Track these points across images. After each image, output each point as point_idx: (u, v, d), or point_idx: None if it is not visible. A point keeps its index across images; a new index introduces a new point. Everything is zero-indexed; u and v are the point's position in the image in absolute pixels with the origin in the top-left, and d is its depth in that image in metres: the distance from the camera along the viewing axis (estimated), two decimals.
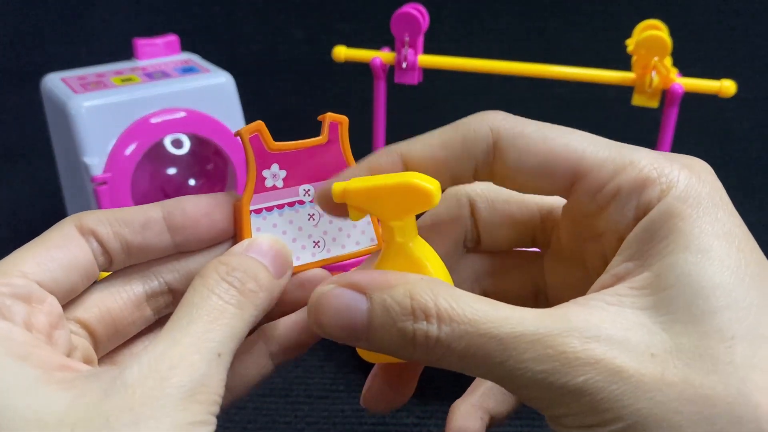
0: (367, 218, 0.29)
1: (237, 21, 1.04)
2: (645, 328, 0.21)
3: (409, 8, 0.60)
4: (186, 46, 0.72)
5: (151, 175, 0.68)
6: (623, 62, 0.62)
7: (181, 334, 0.21)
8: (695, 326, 0.20)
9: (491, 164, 0.25)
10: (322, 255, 0.28)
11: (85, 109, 0.58)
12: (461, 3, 1.03)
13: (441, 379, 0.54)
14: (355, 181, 0.25)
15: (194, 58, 0.69)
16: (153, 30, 1.02)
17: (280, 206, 0.27)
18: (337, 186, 0.25)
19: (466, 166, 0.25)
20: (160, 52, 0.68)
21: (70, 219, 0.25)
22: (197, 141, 0.67)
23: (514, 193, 0.28)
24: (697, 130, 0.97)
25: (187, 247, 0.26)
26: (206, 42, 1.03)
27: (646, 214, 0.23)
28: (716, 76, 0.57)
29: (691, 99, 0.61)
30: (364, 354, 0.26)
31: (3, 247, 0.75)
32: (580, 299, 0.22)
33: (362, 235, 0.29)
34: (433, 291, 0.21)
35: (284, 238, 0.27)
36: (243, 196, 0.26)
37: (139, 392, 0.19)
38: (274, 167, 0.27)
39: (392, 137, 0.84)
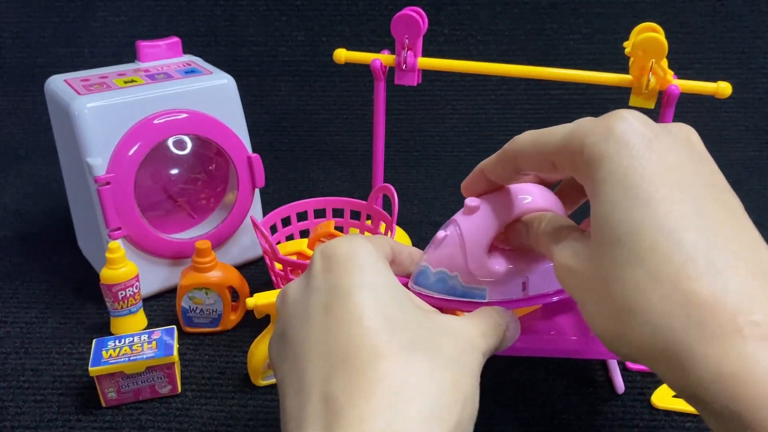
0: None
1: (238, 23, 1.05)
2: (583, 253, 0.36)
3: (408, 11, 0.61)
4: (188, 48, 0.72)
5: (154, 176, 0.69)
6: (620, 64, 0.62)
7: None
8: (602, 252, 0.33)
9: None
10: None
11: (88, 110, 0.58)
12: (460, 5, 1.03)
13: None
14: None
15: (196, 60, 0.69)
16: (155, 32, 1.03)
17: None
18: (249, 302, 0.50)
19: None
20: (162, 54, 0.69)
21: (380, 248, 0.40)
22: (199, 142, 0.68)
23: None
24: None
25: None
26: (208, 44, 1.04)
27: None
28: (712, 78, 0.58)
29: (688, 100, 0.61)
30: None
31: (7, 245, 0.76)
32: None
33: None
34: None
35: None
36: None
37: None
38: None
39: (392, 138, 0.85)
